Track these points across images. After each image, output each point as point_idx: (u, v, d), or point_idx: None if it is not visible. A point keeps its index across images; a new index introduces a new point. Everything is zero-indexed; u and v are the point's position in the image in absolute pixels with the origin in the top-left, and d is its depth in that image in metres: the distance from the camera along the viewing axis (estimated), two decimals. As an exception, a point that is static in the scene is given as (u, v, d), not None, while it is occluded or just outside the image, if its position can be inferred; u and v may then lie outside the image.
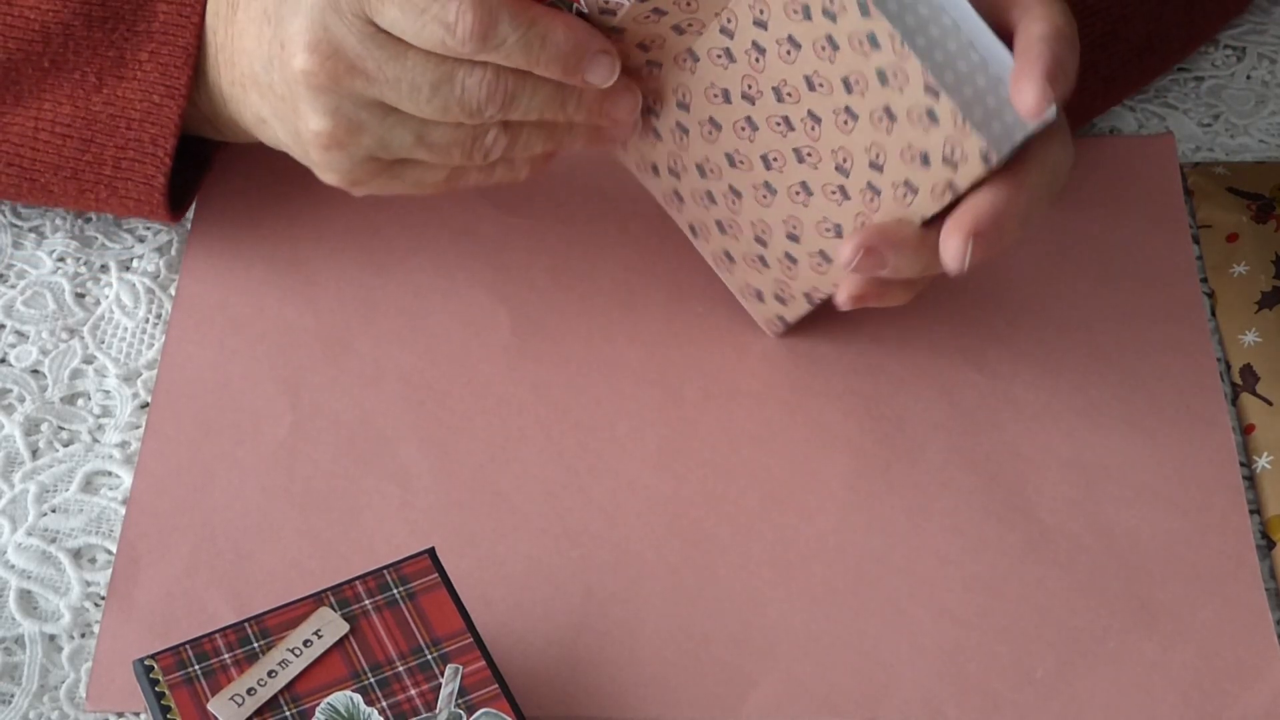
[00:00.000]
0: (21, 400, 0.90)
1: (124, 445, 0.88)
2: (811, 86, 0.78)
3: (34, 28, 0.88)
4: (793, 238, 0.84)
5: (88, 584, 0.84)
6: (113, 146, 0.88)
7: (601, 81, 0.81)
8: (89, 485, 0.87)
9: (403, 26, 0.78)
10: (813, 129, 0.80)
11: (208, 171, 0.94)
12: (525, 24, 0.78)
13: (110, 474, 0.87)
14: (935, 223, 0.78)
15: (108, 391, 0.90)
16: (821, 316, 0.91)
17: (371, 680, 0.75)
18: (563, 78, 0.80)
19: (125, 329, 0.92)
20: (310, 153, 0.83)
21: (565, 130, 0.84)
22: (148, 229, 0.96)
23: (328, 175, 0.85)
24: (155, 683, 0.74)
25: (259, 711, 0.74)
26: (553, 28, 0.79)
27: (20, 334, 0.92)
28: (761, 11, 0.78)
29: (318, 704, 0.74)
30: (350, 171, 0.84)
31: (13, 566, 0.84)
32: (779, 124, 0.81)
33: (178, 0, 0.87)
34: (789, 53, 0.78)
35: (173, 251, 0.95)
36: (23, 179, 0.90)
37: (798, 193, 0.83)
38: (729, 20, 0.79)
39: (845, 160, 0.79)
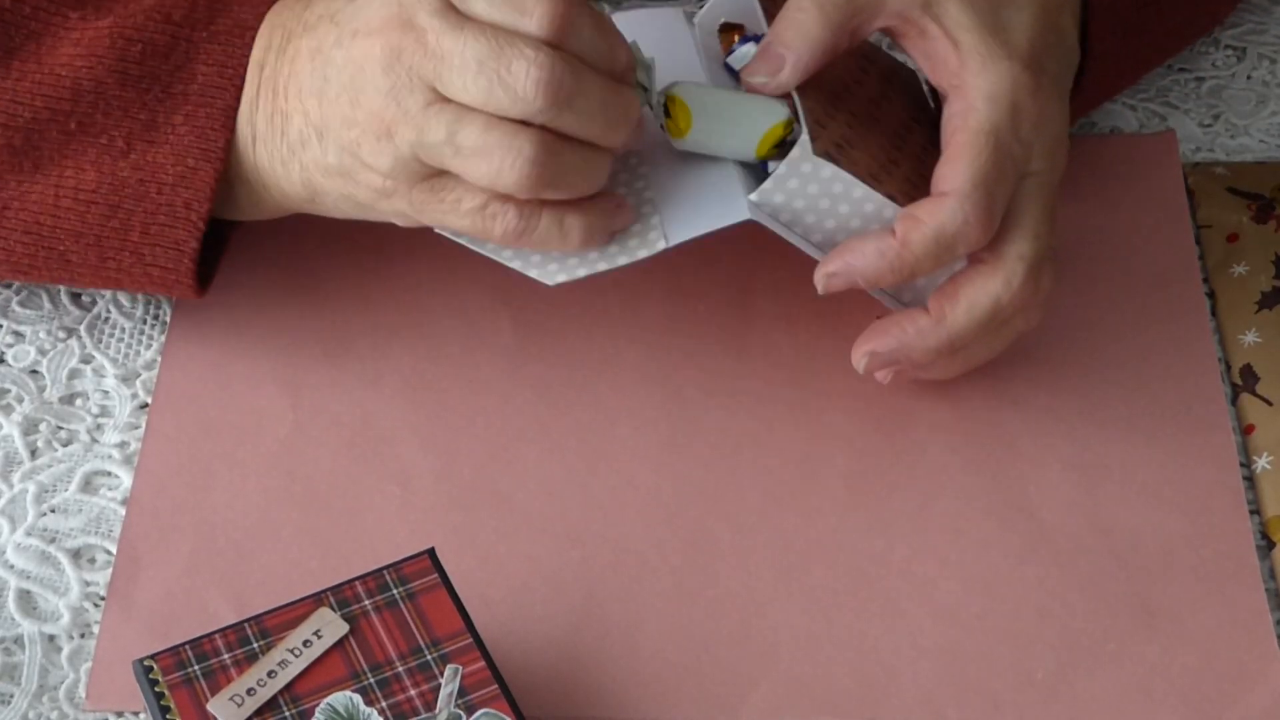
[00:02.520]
0: (20, 400, 0.90)
1: (123, 445, 0.88)
2: None
3: (64, 85, 0.84)
4: None
5: (87, 584, 0.84)
6: (141, 212, 0.84)
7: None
8: (88, 485, 0.87)
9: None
10: None
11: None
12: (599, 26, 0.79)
13: (109, 474, 0.87)
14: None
15: (106, 391, 0.90)
16: (823, 316, 0.91)
17: (371, 680, 0.74)
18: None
19: (123, 329, 0.92)
20: (362, 146, 0.80)
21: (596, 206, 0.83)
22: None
23: (374, 176, 0.81)
24: (155, 683, 0.74)
25: (259, 712, 0.73)
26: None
27: (18, 334, 0.92)
28: None
29: (317, 704, 0.74)
30: (393, 169, 0.80)
31: (12, 566, 0.84)
32: None
33: (219, 62, 0.84)
34: None
35: (171, 251, 0.95)
36: (39, 247, 0.86)
37: None
38: None
39: None
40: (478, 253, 0.84)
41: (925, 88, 0.92)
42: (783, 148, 0.83)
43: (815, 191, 0.82)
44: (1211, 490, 0.87)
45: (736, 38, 0.87)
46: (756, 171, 0.84)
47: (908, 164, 0.86)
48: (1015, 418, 0.89)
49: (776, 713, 0.80)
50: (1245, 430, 0.89)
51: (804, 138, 0.81)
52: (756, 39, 0.85)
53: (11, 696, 0.80)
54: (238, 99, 0.84)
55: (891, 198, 0.82)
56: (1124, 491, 0.87)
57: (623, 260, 0.83)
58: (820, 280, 0.84)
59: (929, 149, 0.87)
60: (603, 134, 0.80)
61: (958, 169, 0.82)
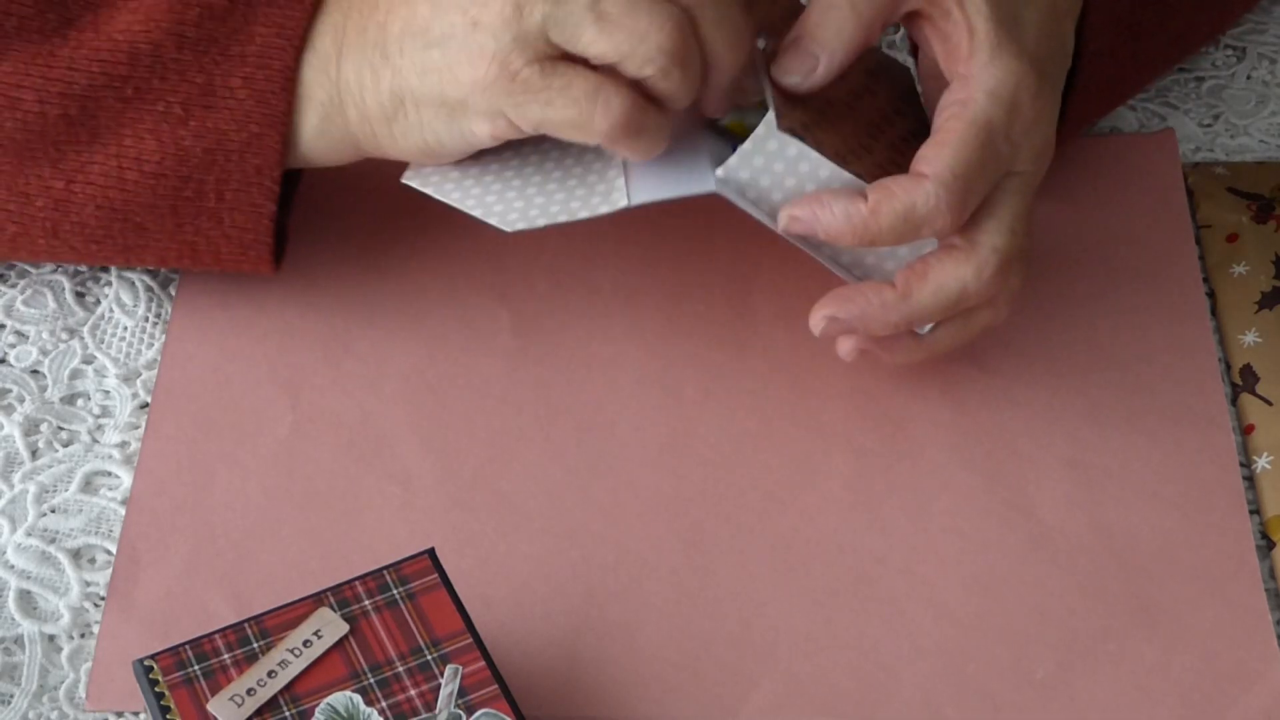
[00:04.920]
0: (21, 400, 0.90)
1: (124, 445, 0.88)
2: None
3: (121, 50, 0.84)
4: None
5: (87, 584, 0.84)
6: (214, 181, 0.85)
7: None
8: (88, 485, 0.87)
9: None
10: None
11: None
12: None
13: (110, 474, 0.87)
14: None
15: (107, 391, 0.90)
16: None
17: (371, 680, 0.74)
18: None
19: (125, 329, 0.92)
20: (482, 20, 0.79)
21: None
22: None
23: (480, 63, 0.79)
24: (155, 683, 0.74)
25: (259, 712, 0.73)
26: None
27: (20, 334, 0.92)
28: None
29: (317, 704, 0.74)
30: (512, 44, 0.79)
31: (12, 567, 0.84)
32: None
33: (278, 24, 0.84)
34: None
35: (172, 251, 0.95)
36: (114, 220, 0.86)
37: None
38: None
39: None
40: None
41: (917, 80, 0.92)
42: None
43: (781, 169, 0.82)
44: (1211, 490, 0.87)
45: None
46: (727, 147, 0.84)
47: (883, 152, 0.86)
48: (1015, 418, 0.89)
49: (776, 713, 0.80)
50: (1245, 430, 0.89)
51: (770, 115, 0.81)
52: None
53: (11, 696, 0.80)
54: (297, 60, 0.84)
55: (860, 177, 0.83)
56: (1124, 491, 0.87)
57: (583, 214, 0.83)
58: (782, 219, 0.83)
59: (911, 139, 0.87)
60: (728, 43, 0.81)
61: (942, 154, 0.82)
